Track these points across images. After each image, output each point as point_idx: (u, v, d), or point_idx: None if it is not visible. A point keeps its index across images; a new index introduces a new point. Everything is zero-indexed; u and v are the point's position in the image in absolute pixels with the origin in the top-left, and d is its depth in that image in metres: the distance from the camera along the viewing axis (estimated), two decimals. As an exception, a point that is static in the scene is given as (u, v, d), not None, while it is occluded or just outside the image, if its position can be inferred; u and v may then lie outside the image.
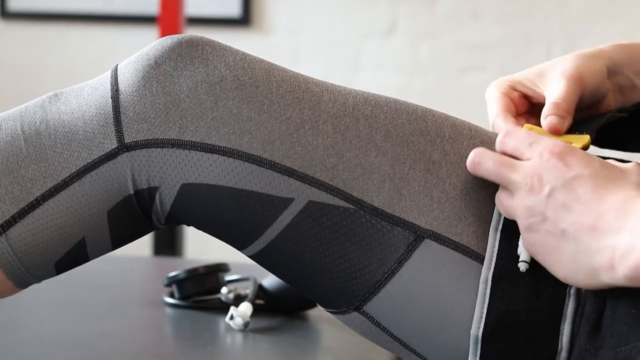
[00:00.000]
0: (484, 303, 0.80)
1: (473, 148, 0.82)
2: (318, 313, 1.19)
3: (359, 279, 0.82)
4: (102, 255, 0.87)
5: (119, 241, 0.86)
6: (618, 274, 0.72)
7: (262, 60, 0.85)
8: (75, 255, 0.84)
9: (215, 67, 0.83)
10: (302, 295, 1.18)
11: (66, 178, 0.82)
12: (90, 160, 0.82)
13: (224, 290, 1.20)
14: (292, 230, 0.82)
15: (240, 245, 0.85)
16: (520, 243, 0.79)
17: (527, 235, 0.77)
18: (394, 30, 2.92)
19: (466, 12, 2.87)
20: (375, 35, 2.93)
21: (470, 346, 0.80)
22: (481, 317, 0.80)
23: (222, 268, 1.23)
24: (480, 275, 0.80)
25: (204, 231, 0.86)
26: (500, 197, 0.79)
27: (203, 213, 0.83)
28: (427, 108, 0.86)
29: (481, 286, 0.80)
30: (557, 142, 0.77)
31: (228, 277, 1.24)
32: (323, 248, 0.82)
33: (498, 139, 0.81)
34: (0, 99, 3.07)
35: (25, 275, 0.84)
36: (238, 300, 1.16)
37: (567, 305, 0.79)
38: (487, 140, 0.85)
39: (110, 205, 0.82)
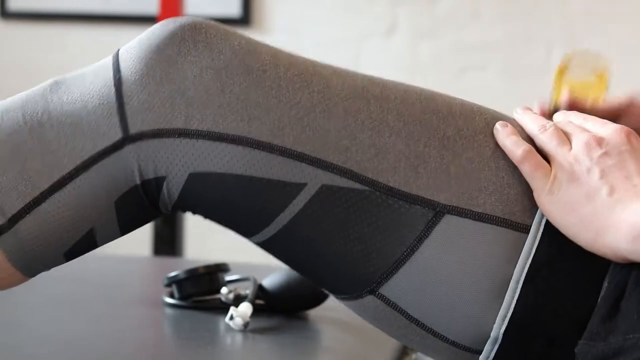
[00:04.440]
0: (512, 298, 0.80)
1: (485, 122, 0.84)
2: (318, 313, 1.19)
3: (375, 261, 0.81)
4: (111, 241, 0.85)
5: (127, 228, 0.84)
6: (622, 235, 0.75)
7: (267, 45, 0.83)
8: (85, 244, 0.83)
9: (221, 51, 0.81)
10: (302, 295, 1.18)
11: (72, 170, 0.80)
12: (95, 152, 0.80)
13: (224, 290, 1.20)
14: (306, 216, 0.80)
15: (249, 233, 0.84)
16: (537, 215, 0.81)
17: (558, 184, 0.79)
18: (394, 30, 2.92)
19: (466, 12, 2.87)
20: (375, 35, 2.93)
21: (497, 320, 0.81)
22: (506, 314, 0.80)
23: (222, 268, 1.22)
24: (510, 241, 0.81)
25: (212, 220, 0.85)
26: (553, 143, 0.81)
27: (211, 202, 0.82)
28: (433, 90, 0.86)
29: (512, 284, 0.80)
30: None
31: (228, 277, 1.24)
32: (338, 232, 0.81)
33: (578, 115, 0.85)
34: (0, 99, 3.07)
35: (35, 265, 0.83)
36: (238, 300, 1.16)
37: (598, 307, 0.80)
38: (497, 116, 0.86)
39: (118, 195, 0.81)
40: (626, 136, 0.80)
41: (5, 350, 0.99)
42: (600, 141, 0.80)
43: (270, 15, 2.98)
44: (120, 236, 0.85)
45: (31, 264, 0.83)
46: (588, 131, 0.82)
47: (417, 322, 0.83)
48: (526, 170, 0.81)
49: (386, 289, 0.82)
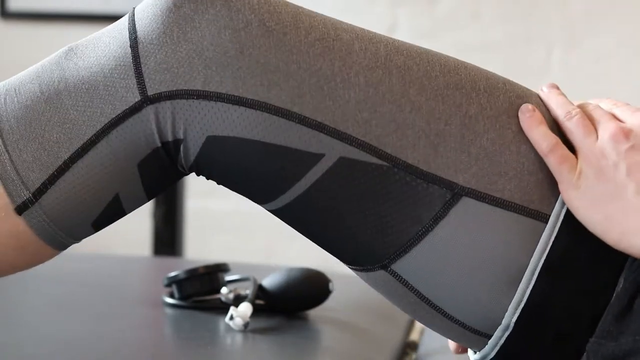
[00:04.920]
0: (526, 289, 0.79)
1: (510, 102, 0.82)
2: (318, 313, 1.19)
3: (389, 237, 0.80)
4: (138, 207, 0.84)
5: (153, 191, 0.83)
6: None
7: (288, 3, 0.82)
8: (112, 211, 0.82)
9: (239, 10, 0.79)
10: (302, 295, 1.18)
11: (92, 137, 0.79)
12: (114, 116, 0.79)
13: (224, 290, 1.19)
14: (322, 186, 0.79)
15: (263, 200, 0.83)
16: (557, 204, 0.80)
17: (584, 179, 0.77)
18: (394, 30, 2.92)
19: (466, 12, 2.87)
20: (375, 35, 2.93)
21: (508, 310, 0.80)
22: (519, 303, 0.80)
23: (222, 268, 1.22)
24: (527, 229, 0.80)
25: (226, 185, 0.83)
26: (579, 134, 0.79)
27: (228, 166, 0.81)
28: (458, 60, 0.84)
29: (527, 274, 0.79)
30: None
31: (228, 277, 1.24)
32: (353, 205, 0.80)
33: (608, 101, 0.83)
34: (0, 99, 3.08)
35: (64, 238, 0.82)
36: (238, 300, 1.16)
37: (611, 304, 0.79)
38: (522, 94, 0.83)
39: (140, 158, 0.80)
40: None
41: (5, 350, 0.98)
42: (627, 133, 0.78)
43: (271, 16, 2.97)
44: (147, 201, 0.84)
45: (60, 237, 0.82)
46: (616, 120, 0.80)
47: (427, 301, 0.83)
48: (552, 163, 0.79)
49: (398, 266, 0.81)
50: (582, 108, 0.83)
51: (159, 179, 0.83)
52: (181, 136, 0.79)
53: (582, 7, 2.79)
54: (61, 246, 0.83)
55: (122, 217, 0.84)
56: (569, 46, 2.79)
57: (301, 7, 0.82)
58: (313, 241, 0.86)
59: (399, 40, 0.84)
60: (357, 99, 0.79)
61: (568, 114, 0.81)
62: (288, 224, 0.85)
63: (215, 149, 0.79)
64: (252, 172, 0.80)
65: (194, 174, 0.84)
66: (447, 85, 0.81)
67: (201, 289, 1.21)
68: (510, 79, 0.85)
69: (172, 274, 1.22)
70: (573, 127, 0.80)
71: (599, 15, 2.77)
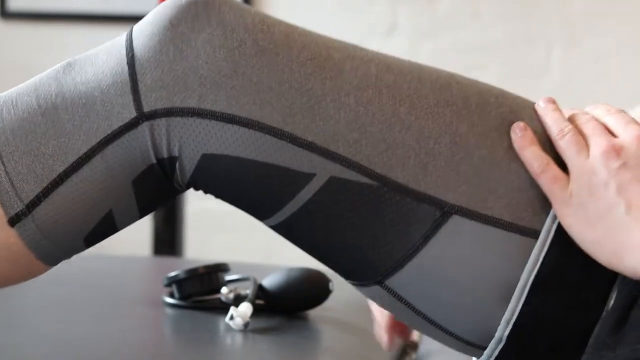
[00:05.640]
0: (517, 304, 0.80)
1: (502, 118, 0.82)
2: (318, 313, 1.19)
3: (381, 255, 0.81)
4: (130, 224, 0.85)
5: (146, 209, 0.84)
6: None
7: (281, 22, 0.83)
8: (104, 227, 0.83)
9: (234, 29, 0.80)
10: (302, 295, 1.18)
11: (87, 151, 0.80)
12: (110, 132, 0.79)
13: (224, 290, 1.19)
14: (314, 205, 0.80)
15: (260, 216, 0.84)
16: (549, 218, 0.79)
17: (575, 197, 0.77)
18: (394, 30, 2.92)
19: (466, 12, 2.87)
20: (375, 35, 2.93)
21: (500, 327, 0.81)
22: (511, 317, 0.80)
23: (222, 268, 1.22)
24: (518, 245, 0.80)
25: (223, 200, 0.84)
26: (571, 152, 0.79)
27: (223, 184, 0.81)
28: (451, 73, 0.85)
29: (518, 290, 0.80)
30: None
31: (228, 277, 1.24)
32: (345, 224, 0.80)
33: (602, 109, 0.82)
34: (0, 99, 3.07)
35: (55, 252, 0.82)
36: (238, 300, 1.16)
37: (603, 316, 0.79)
38: (515, 108, 0.83)
39: (135, 174, 0.81)
40: None
41: (5, 350, 0.98)
42: (619, 150, 0.77)
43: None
44: (139, 218, 0.84)
45: (52, 251, 0.82)
46: (607, 134, 0.80)
47: (423, 315, 0.84)
48: (544, 183, 0.79)
49: (392, 282, 0.82)
50: (575, 121, 0.82)
51: (153, 196, 0.84)
52: (176, 153, 0.80)
53: (582, 7, 2.79)
54: (52, 261, 0.83)
55: (114, 233, 0.84)
56: (569, 46, 2.79)
57: (294, 26, 0.83)
58: (312, 256, 0.87)
59: (391, 57, 0.84)
60: (347, 119, 0.79)
61: (560, 132, 0.81)
62: (287, 239, 0.86)
63: (211, 166, 0.80)
64: (246, 189, 0.81)
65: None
66: (437, 103, 0.81)
67: (201, 289, 1.21)
68: (505, 90, 0.86)
69: (172, 274, 1.22)
70: (565, 145, 0.80)
71: (599, 15, 2.77)
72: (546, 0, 2.83)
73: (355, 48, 0.84)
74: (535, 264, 0.79)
